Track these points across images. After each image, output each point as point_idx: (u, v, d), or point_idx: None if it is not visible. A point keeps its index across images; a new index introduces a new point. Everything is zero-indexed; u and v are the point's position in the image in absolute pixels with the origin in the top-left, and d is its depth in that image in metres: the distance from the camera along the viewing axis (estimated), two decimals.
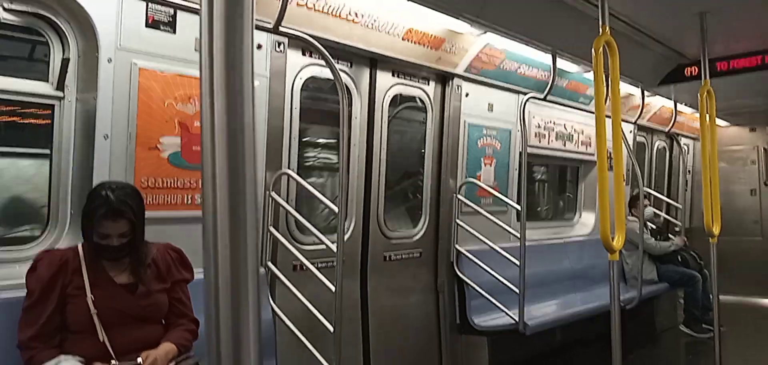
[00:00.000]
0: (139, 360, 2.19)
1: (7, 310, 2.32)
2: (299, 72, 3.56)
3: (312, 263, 3.17)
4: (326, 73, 3.58)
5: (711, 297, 4.98)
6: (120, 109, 2.73)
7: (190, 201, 2.97)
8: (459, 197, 4.47)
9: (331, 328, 2.92)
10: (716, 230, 3.99)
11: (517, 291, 4.08)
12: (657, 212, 6.75)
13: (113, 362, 2.15)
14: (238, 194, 0.76)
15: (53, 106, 2.69)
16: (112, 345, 2.23)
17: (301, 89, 3.58)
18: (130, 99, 2.75)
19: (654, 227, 6.39)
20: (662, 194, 7.12)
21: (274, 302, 3.22)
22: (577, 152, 5.81)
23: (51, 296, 2.24)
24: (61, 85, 2.66)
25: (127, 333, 2.27)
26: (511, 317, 4.15)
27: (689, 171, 8.02)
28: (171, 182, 2.92)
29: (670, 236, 6.61)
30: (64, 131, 2.69)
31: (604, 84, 2.75)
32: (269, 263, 3.29)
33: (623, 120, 3.48)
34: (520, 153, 4.68)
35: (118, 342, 2.24)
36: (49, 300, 2.23)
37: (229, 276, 0.75)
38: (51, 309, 2.23)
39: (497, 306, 4.23)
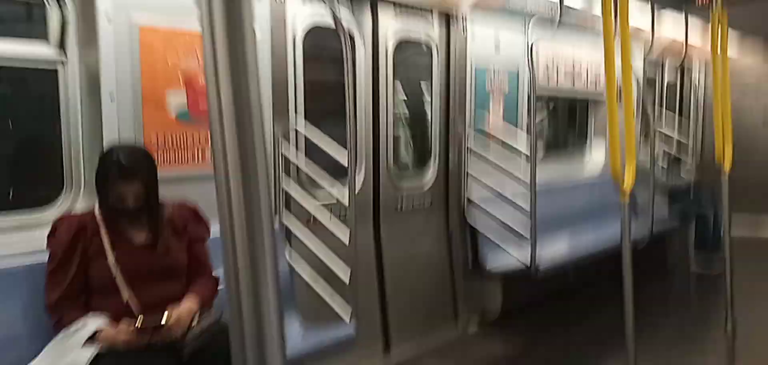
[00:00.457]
0: (164, 318, 2.23)
1: (33, 273, 2.37)
2: (300, 20, 3.50)
3: (326, 215, 3.18)
4: (328, 20, 3.52)
5: (722, 231, 4.97)
6: (124, 68, 2.71)
7: (201, 158, 2.97)
8: (468, 142, 4.45)
9: (346, 278, 2.96)
10: (727, 163, 3.94)
11: (528, 233, 4.10)
12: (667, 150, 6.68)
13: (138, 322, 2.20)
14: (247, 146, 0.75)
15: (57, 69, 2.67)
16: (136, 303, 2.28)
17: (304, 38, 3.53)
18: (133, 57, 2.73)
19: (665, 164, 6.35)
20: (673, 128, 7.03)
21: (290, 254, 3.26)
22: (586, 89, 5.72)
23: (73, 258, 2.28)
24: (62, 48, 2.63)
25: (150, 292, 2.32)
26: (522, 258, 4.18)
27: (702, 104, 7.90)
28: (181, 140, 2.92)
29: (682, 170, 6.57)
30: (69, 94, 2.68)
31: (613, 14, 2.67)
32: (284, 217, 3.31)
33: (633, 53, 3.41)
34: (529, 93, 4.62)
35: (141, 301, 2.29)
36: (72, 262, 2.28)
37: (244, 228, 0.75)
38: (74, 271, 2.28)
39: (508, 249, 4.26)
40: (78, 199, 2.69)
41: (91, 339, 2.16)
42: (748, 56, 7.77)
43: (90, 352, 2.11)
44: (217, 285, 2.54)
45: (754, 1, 4.87)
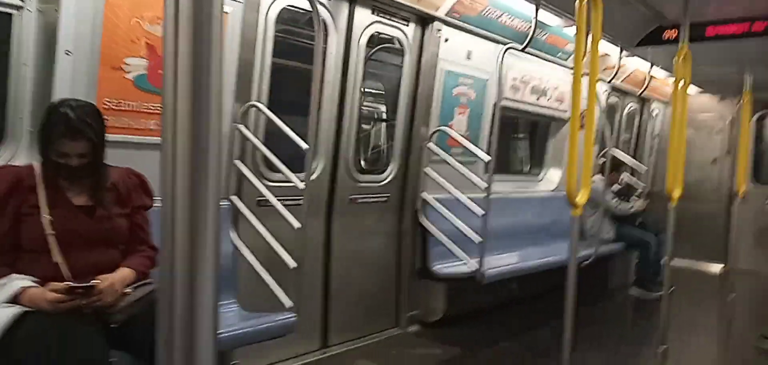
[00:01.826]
0: (95, 282, 2.14)
1: None
2: (274, 1, 3.44)
3: (278, 200, 3.14)
4: (302, 4, 3.47)
5: (663, 260, 5.15)
6: (84, 24, 2.61)
7: (154, 127, 2.89)
8: (429, 145, 4.47)
9: (292, 264, 2.92)
10: (677, 194, 4.09)
11: (479, 240, 4.14)
12: (627, 178, 6.89)
13: (67, 283, 2.10)
14: (200, 124, 0.72)
15: (11, 15, 2.54)
16: (67, 267, 2.19)
17: (276, 21, 3.47)
18: (96, 14, 2.63)
19: (617, 187, 6.54)
20: (628, 155, 7.25)
21: (237, 236, 3.20)
22: (549, 108, 5.83)
23: (4, 213, 2.17)
24: None
25: (84, 257, 2.23)
26: (470, 265, 4.23)
27: (656, 135, 8.17)
28: (135, 106, 2.83)
29: (632, 197, 6.78)
30: (23, 44, 2.56)
31: (585, 40, 2.72)
32: (233, 197, 3.25)
33: (598, 79, 3.47)
34: (495, 104, 4.67)
35: (73, 265, 2.20)
36: (2, 217, 2.17)
37: (187, 207, 0.72)
38: (5, 227, 2.17)
39: (457, 254, 4.30)
40: (17, 154, 2.57)
41: (16, 298, 2.06)
42: (706, 95, 8.09)
43: (13, 311, 2.02)
44: (157, 255, 2.46)
45: (717, 40, 5.07)
